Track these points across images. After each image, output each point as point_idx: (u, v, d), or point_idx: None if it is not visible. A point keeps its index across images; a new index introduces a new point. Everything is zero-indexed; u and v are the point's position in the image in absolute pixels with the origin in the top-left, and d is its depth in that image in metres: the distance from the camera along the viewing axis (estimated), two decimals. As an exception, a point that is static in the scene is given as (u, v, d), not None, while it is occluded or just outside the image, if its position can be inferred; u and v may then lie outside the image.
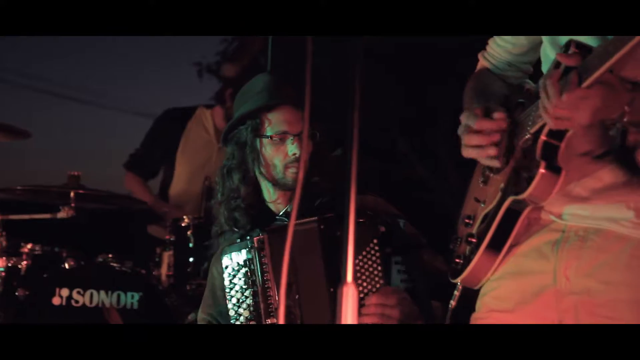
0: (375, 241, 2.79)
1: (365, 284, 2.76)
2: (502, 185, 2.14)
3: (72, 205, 4.19)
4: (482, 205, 2.23)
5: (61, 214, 4.20)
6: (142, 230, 5.09)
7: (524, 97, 2.16)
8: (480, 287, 2.25)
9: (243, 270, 2.89)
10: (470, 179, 2.39)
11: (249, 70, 5.11)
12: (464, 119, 2.17)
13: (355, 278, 2.68)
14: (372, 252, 2.79)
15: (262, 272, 2.86)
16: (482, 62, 2.44)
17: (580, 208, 2.07)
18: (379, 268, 2.78)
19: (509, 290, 2.15)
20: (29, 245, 4.26)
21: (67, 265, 4.19)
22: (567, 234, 2.08)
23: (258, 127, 2.97)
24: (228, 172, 3.04)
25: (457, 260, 2.26)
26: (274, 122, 2.96)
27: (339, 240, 2.78)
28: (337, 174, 2.95)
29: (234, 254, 2.92)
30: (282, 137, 2.95)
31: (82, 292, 4.00)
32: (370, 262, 2.78)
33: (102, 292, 4.02)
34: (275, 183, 2.98)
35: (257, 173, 3.01)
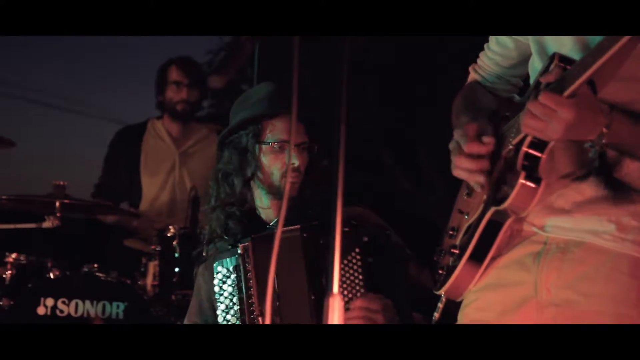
0: (357, 250, 2.81)
1: (346, 292, 2.78)
2: (485, 197, 2.16)
3: (58, 215, 4.18)
4: (466, 217, 2.24)
5: (46, 224, 4.19)
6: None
7: (510, 110, 2.18)
8: (462, 300, 2.26)
9: (232, 276, 2.91)
10: (458, 192, 2.41)
11: (236, 81, 5.13)
12: (456, 135, 2.18)
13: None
14: (354, 260, 2.81)
15: (246, 280, 2.87)
16: (472, 75, 2.47)
17: (562, 220, 2.08)
18: (360, 277, 2.80)
19: (490, 301, 2.17)
20: (14, 255, 4.24)
21: (52, 275, 4.18)
22: (549, 246, 2.10)
23: (259, 133, 2.99)
24: (224, 176, 3.06)
25: (440, 271, 2.27)
26: (276, 130, 2.98)
27: (322, 248, 2.80)
28: (325, 185, 2.98)
29: (224, 261, 2.94)
30: (282, 146, 2.97)
31: (67, 302, 3.99)
32: (351, 271, 2.80)
33: (88, 302, 4.00)
34: (270, 190, 3.01)
35: (252, 179, 3.02)
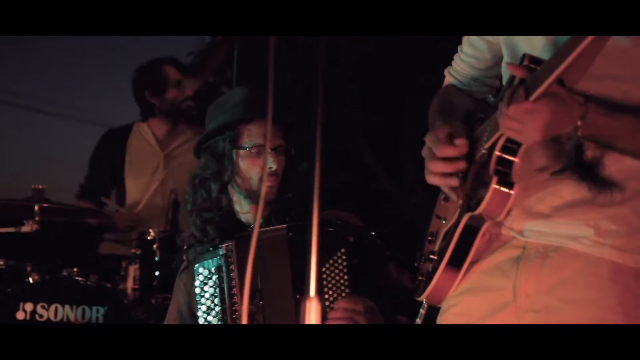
0: (342, 250, 2.82)
1: (331, 292, 2.79)
2: (460, 201, 2.13)
3: (37, 219, 4.16)
4: (444, 222, 2.22)
5: (25, 228, 4.17)
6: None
7: (484, 112, 2.16)
8: None
9: (214, 278, 2.91)
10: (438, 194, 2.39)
11: (213, 84, 5.12)
12: (427, 141, 2.15)
13: (321, 287, 2.72)
14: (340, 261, 2.81)
15: (229, 279, 2.87)
16: (448, 78, 2.44)
17: (540, 225, 2.06)
18: (345, 277, 2.80)
19: (469, 306, 2.15)
20: (-7, 259, 4.22)
21: (31, 280, 4.16)
22: (528, 251, 2.08)
23: (236, 138, 2.98)
24: (201, 182, 3.05)
25: (420, 278, 2.25)
26: (252, 134, 2.98)
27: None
28: (305, 187, 2.98)
29: (206, 262, 2.93)
30: (259, 151, 2.97)
31: (46, 306, 3.98)
32: (337, 271, 2.81)
33: (67, 307, 4.00)
34: (249, 195, 3.00)
35: (230, 184, 3.02)
